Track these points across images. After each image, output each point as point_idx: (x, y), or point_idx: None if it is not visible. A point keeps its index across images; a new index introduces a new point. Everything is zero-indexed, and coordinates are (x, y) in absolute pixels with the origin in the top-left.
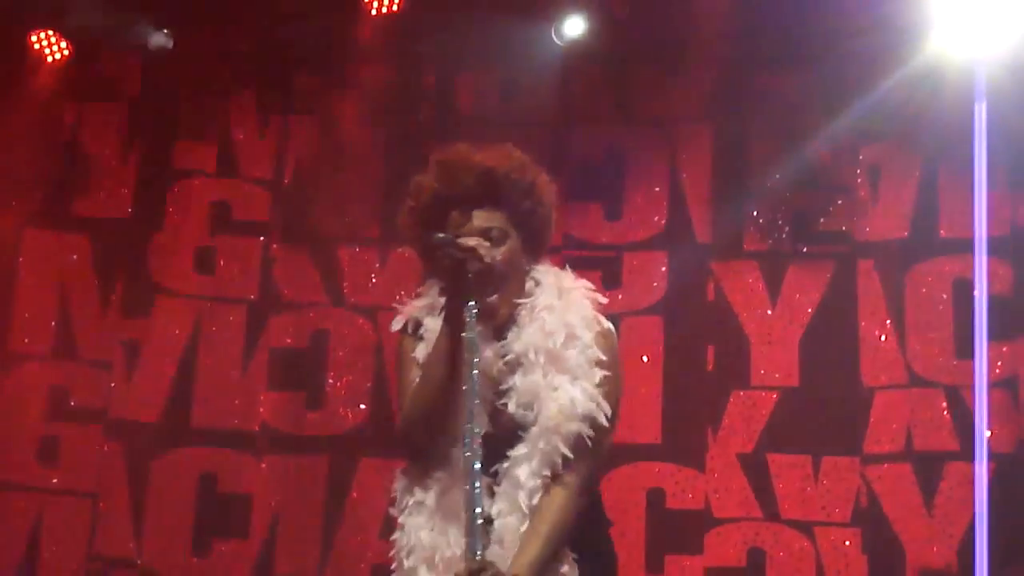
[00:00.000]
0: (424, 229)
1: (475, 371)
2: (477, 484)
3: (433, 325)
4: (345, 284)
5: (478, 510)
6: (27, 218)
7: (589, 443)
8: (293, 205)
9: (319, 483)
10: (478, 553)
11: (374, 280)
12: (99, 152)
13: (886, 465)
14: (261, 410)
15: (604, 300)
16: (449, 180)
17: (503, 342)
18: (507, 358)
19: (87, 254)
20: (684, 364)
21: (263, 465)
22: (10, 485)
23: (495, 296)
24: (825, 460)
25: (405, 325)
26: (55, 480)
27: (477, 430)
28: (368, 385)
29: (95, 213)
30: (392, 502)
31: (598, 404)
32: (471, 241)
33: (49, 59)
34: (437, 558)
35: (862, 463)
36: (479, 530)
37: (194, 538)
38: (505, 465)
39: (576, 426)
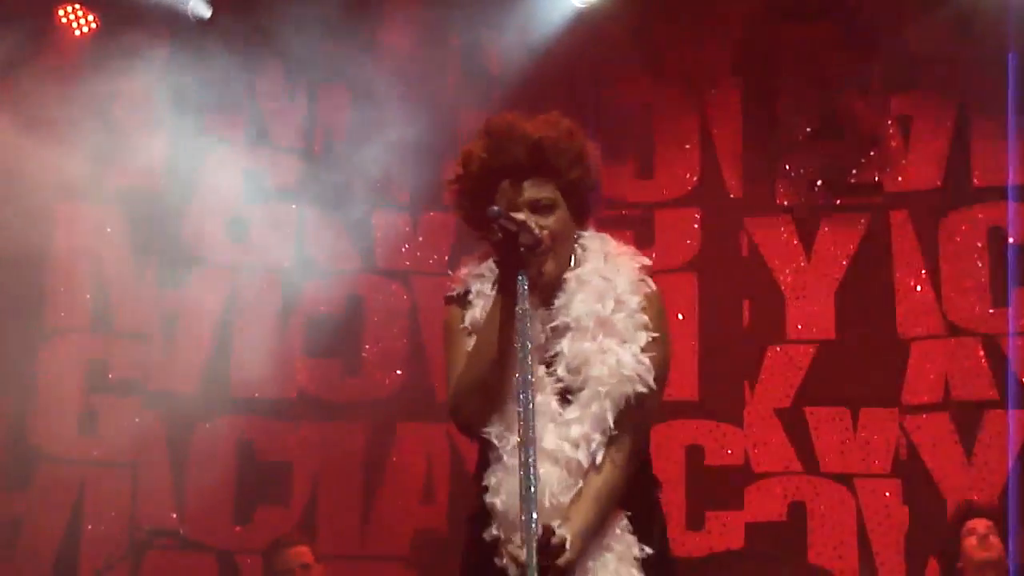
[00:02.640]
0: (473, 199)
1: (528, 342)
2: (532, 455)
3: (483, 292)
4: (378, 249)
5: (533, 480)
6: (60, 192)
7: (637, 406)
8: (324, 172)
9: (357, 449)
10: (534, 523)
11: (406, 246)
12: (130, 124)
13: (925, 415)
14: (298, 377)
15: (648, 262)
16: (499, 151)
17: (551, 309)
18: (555, 323)
19: (122, 226)
20: (719, 320)
21: (301, 432)
22: (52, 458)
23: (550, 265)
24: (863, 412)
25: (455, 294)
26: (96, 452)
27: (532, 406)
28: (404, 350)
29: (129, 185)
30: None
31: (647, 367)
32: (521, 215)
33: (77, 32)
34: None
35: (900, 414)
36: (535, 499)
37: (235, 506)
38: (556, 426)
39: (626, 387)
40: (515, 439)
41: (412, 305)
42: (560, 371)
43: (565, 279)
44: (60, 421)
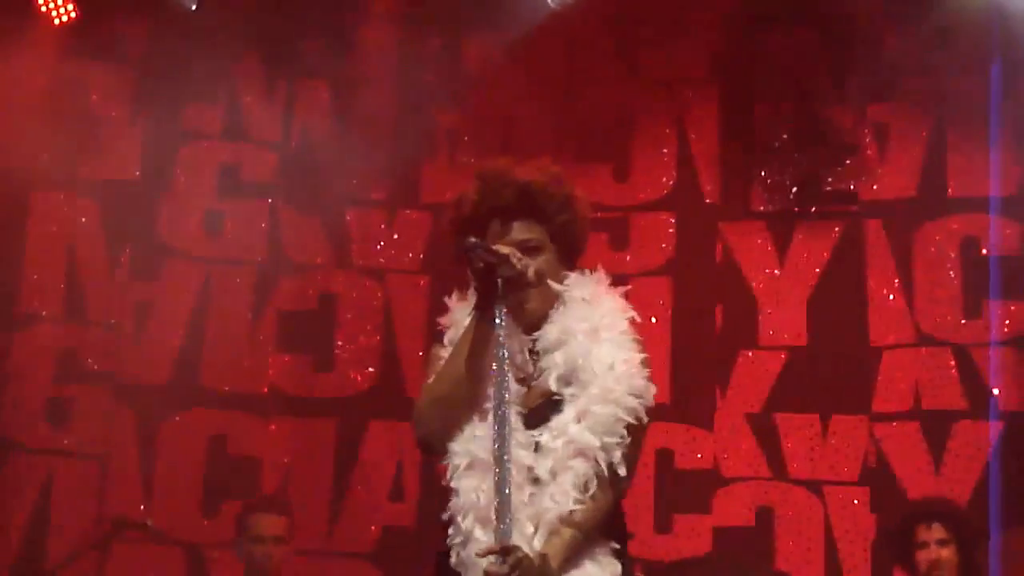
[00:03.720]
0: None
1: (506, 370)
2: (508, 467)
3: (462, 321)
4: (353, 246)
5: (508, 493)
6: (35, 180)
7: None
8: (300, 167)
9: (328, 445)
10: (507, 535)
11: (381, 243)
12: (107, 114)
13: (894, 424)
14: (270, 372)
15: (636, 316)
16: (490, 193)
17: (535, 336)
18: (540, 346)
19: (96, 216)
20: (692, 325)
21: (272, 427)
22: (20, 447)
23: (535, 303)
24: (833, 419)
25: (441, 335)
26: (65, 442)
27: (506, 421)
28: (377, 347)
29: (104, 175)
30: (444, 469)
31: (645, 380)
32: (505, 249)
33: (56, 21)
34: (492, 516)
35: (870, 422)
36: (510, 514)
37: (204, 500)
38: (549, 428)
39: (628, 396)
40: (466, 461)
41: (386, 302)
42: (550, 383)
43: (549, 314)
44: (30, 410)
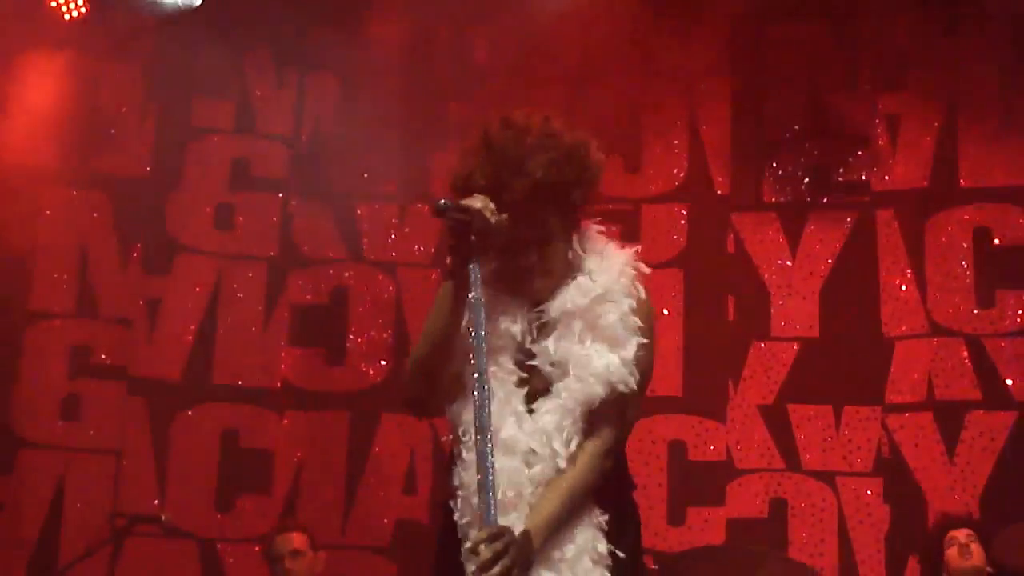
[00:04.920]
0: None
1: (483, 332)
2: (489, 447)
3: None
4: (364, 240)
5: (491, 474)
6: (46, 177)
7: (614, 403)
8: (311, 161)
9: (341, 439)
10: (492, 517)
11: (393, 236)
12: (117, 110)
13: (907, 414)
14: (282, 366)
15: (647, 271)
16: (499, 187)
17: (539, 309)
18: (542, 321)
19: (107, 212)
20: (704, 316)
21: (285, 421)
22: (34, 443)
23: (542, 281)
24: (846, 410)
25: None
26: (78, 438)
27: (487, 395)
28: (389, 341)
29: (114, 171)
30: (453, 440)
31: (631, 372)
32: (476, 202)
33: (66, 16)
34: (500, 496)
35: (883, 413)
36: (494, 494)
37: (217, 494)
38: (517, 420)
39: (603, 387)
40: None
41: (397, 296)
42: (542, 366)
43: (559, 286)
44: (43, 406)
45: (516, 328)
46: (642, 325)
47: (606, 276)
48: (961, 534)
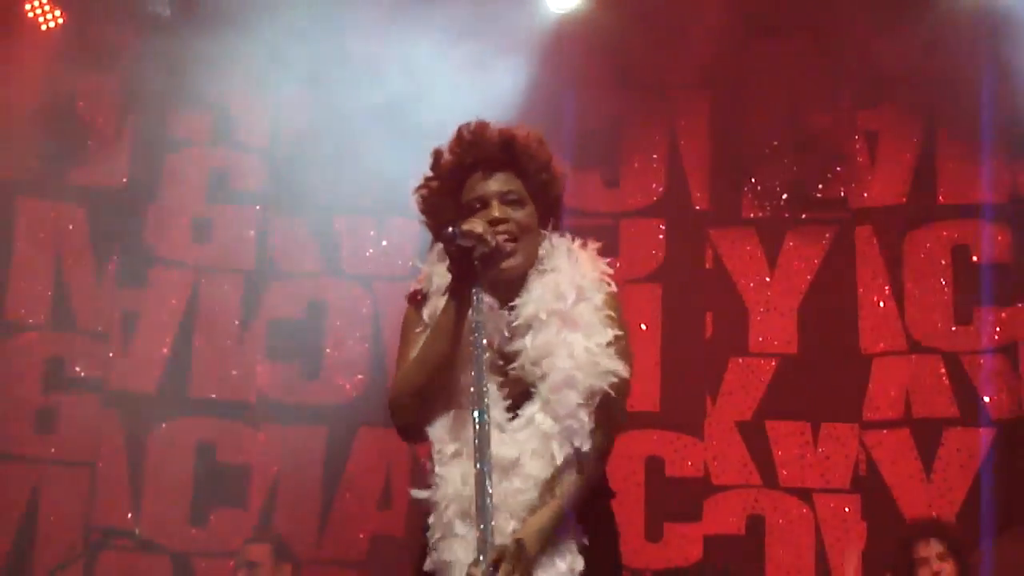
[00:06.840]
0: (442, 197)
1: (483, 354)
2: (488, 467)
3: (442, 286)
4: (342, 253)
5: (490, 493)
6: (22, 187)
7: (603, 404)
8: (289, 174)
9: (317, 453)
10: (490, 538)
11: (371, 250)
12: (94, 121)
13: (885, 431)
14: (259, 380)
15: (610, 271)
16: (471, 146)
17: (512, 306)
18: (516, 323)
19: (83, 224)
20: (682, 332)
21: (261, 435)
22: (8, 456)
23: (517, 259)
24: (824, 427)
25: (415, 293)
26: (53, 450)
27: (486, 416)
28: (366, 355)
29: (91, 182)
30: (428, 455)
31: (611, 359)
32: (478, 227)
33: (43, 27)
34: (473, 510)
35: (861, 429)
36: (491, 513)
37: (192, 508)
38: (520, 420)
39: (590, 380)
40: (452, 448)
41: (375, 310)
42: (520, 365)
43: (528, 276)
44: (17, 419)
45: (490, 328)
46: (614, 316)
47: (575, 271)
48: (932, 551)
